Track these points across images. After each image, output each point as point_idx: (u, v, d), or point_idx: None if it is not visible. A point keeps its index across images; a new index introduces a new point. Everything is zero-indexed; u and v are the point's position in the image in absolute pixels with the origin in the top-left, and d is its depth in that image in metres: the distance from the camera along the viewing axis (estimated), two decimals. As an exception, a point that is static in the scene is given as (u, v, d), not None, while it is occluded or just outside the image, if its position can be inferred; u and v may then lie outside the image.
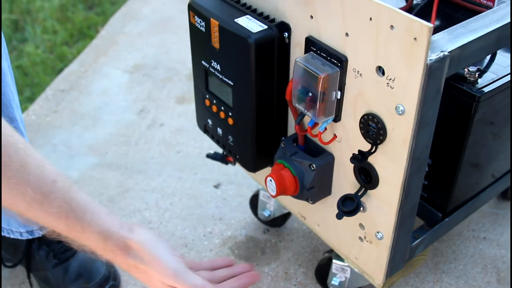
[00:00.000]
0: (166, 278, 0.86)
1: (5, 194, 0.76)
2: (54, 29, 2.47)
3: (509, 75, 1.00)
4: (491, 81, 0.97)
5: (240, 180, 1.60)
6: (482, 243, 1.41)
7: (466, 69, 0.96)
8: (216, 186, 1.59)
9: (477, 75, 0.96)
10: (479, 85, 0.96)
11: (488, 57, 1.05)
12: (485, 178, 1.17)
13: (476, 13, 0.91)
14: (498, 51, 1.06)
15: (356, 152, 0.90)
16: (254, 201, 1.43)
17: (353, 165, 0.94)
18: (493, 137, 1.09)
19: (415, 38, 0.73)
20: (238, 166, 1.16)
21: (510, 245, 1.40)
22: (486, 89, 0.95)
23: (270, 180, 0.98)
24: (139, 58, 2.21)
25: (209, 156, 1.31)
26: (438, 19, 1.13)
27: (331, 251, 1.18)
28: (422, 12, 1.11)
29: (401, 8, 1.14)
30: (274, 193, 0.98)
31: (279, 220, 1.43)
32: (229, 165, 1.31)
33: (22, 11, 2.61)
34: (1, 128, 0.75)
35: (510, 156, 1.20)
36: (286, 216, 1.43)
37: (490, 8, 0.97)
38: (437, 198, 1.10)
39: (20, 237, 1.27)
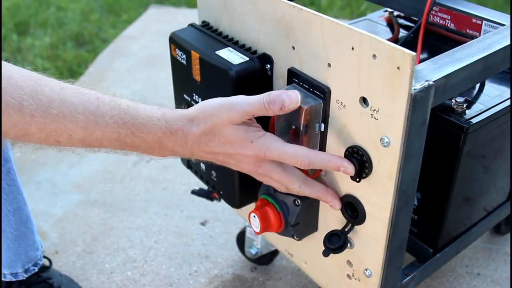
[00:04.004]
0: (228, 113, 0.79)
1: (59, 131, 0.75)
2: (44, 67, 2.46)
3: (497, 106, 0.98)
4: (479, 112, 0.95)
5: (227, 217, 1.57)
6: (476, 279, 1.37)
7: (453, 100, 0.94)
8: (203, 223, 1.56)
9: (465, 106, 0.94)
10: (467, 116, 0.94)
11: (477, 87, 1.04)
12: (477, 212, 1.14)
13: (463, 44, 0.90)
14: (487, 82, 1.05)
15: (342, 186, 0.87)
16: (241, 238, 1.39)
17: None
18: (483, 170, 1.06)
19: (398, 67, 0.71)
20: (224, 202, 1.12)
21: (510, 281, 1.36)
22: (474, 120, 0.93)
23: (254, 216, 0.95)
24: (127, 94, 2.17)
25: (194, 192, 1.29)
26: (425, 50, 1.11)
27: (319, 289, 1.14)
28: (408, 44, 1.09)
29: (387, 40, 1.13)
30: (258, 230, 0.95)
31: (267, 258, 1.39)
32: (216, 201, 1.28)
33: (13, 50, 2.60)
34: (31, 73, 0.75)
35: (502, 189, 1.17)
36: (274, 253, 1.39)
37: (477, 38, 0.95)
38: (427, 233, 1.07)
39: (4, 279, 1.24)
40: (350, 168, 0.83)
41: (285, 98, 0.79)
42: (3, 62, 0.73)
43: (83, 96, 0.77)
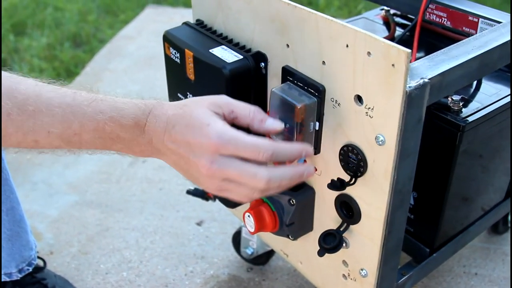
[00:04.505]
0: (209, 99, 0.77)
1: (37, 127, 0.74)
2: (41, 67, 2.45)
3: (494, 104, 0.97)
4: (476, 110, 0.94)
5: (223, 217, 1.56)
6: (473, 279, 1.36)
7: (449, 98, 0.93)
8: (199, 224, 1.55)
9: (461, 104, 0.93)
10: (463, 114, 0.93)
11: (474, 85, 1.03)
12: (474, 212, 1.14)
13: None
14: (484, 80, 1.04)
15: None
16: (236, 238, 1.38)
17: (334, 199, 0.90)
18: (480, 169, 1.05)
19: (393, 65, 0.70)
20: (220, 203, 1.12)
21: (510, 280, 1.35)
22: (470, 119, 0.92)
23: (248, 216, 0.94)
24: (124, 94, 2.17)
25: (189, 192, 1.28)
26: (421, 49, 1.11)
27: (315, 290, 1.13)
28: (404, 42, 1.08)
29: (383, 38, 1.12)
30: (252, 230, 0.94)
31: (263, 258, 1.38)
32: (211, 201, 1.27)
33: (10, 50, 2.59)
34: (5, 73, 0.75)
35: (500, 188, 1.16)
36: (270, 253, 1.38)
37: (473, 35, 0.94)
38: (424, 232, 1.06)
39: None
40: (310, 150, 0.78)
41: (269, 118, 0.77)
42: None
43: (59, 90, 0.76)
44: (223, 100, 0.77)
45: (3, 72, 0.74)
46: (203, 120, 0.74)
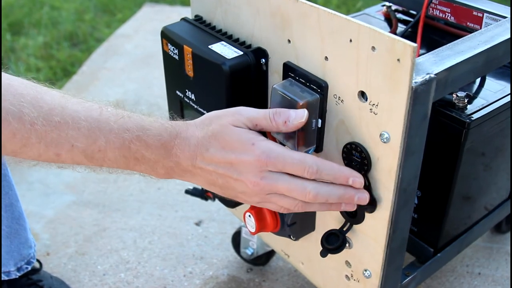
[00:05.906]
0: (232, 116, 0.77)
1: (61, 140, 0.71)
2: (37, 66, 2.43)
3: (500, 101, 0.95)
4: (481, 107, 0.93)
5: (222, 217, 1.54)
6: (476, 279, 1.34)
7: (454, 95, 0.92)
8: (198, 224, 1.53)
9: (466, 101, 0.91)
10: (468, 111, 0.91)
11: (478, 82, 1.01)
12: (478, 211, 1.12)
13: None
14: (488, 76, 1.02)
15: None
16: (236, 239, 1.36)
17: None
18: (484, 168, 1.03)
19: (398, 59, 0.68)
20: (219, 202, 1.10)
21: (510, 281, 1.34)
22: (475, 115, 0.90)
23: (249, 216, 0.92)
24: (121, 93, 2.16)
25: (188, 191, 1.26)
26: (424, 45, 1.09)
27: (317, 291, 1.11)
28: (407, 38, 1.07)
29: (385, 34, 1.10)
30: (253, 230, 0.92)
31: (263, 258, 1.36)
32: (210, 201, 1.25)
33: (6, 49, 2.57)
34: (30, 82, 0.73)
35: (503, 187, 1.15)
36: (270, 254, 1.36)
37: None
38: (427, 232, 1.04)
39: None
40: (359, 179, 0.78)
41: (291, 113, 0.77)
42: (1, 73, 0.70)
43: (85, 103, 0.74)
44: (244, 116, 0.78)
45: (28, 82, 0.73)
46: (245, 140, 0.76)
